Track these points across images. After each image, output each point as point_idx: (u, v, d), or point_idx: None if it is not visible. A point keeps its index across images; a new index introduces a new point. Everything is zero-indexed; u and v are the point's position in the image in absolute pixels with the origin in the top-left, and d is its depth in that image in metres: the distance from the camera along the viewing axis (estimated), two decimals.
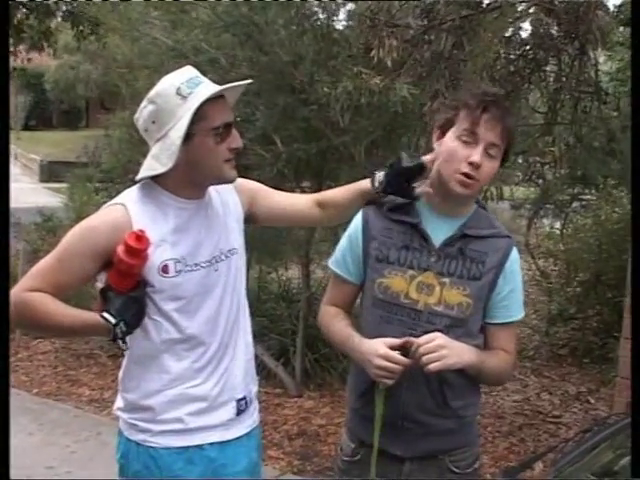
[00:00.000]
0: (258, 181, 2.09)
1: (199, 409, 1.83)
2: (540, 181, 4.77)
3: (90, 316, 1.71)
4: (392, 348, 1.73)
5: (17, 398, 4.66)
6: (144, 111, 1.78)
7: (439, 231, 1.83)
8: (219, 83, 1.80)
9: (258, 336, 2.02)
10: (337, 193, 2.06)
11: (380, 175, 1.90)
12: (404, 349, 1.73)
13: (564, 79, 3.98)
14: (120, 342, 1.70)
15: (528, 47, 3.93)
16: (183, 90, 1.73)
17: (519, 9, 3.71)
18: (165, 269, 1.76)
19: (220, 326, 1.84)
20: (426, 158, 1.84)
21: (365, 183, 1.95)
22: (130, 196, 1.80)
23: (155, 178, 1.78)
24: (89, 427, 4.44)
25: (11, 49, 9.85)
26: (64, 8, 10.61)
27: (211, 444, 1.84)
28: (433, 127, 1.93)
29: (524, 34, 4.00)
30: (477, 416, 2.04)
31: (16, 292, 1.74)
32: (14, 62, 11.18)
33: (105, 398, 4.89)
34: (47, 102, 28.23)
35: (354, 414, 1.97)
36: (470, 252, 1.82)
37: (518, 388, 5.17)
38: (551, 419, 4.65)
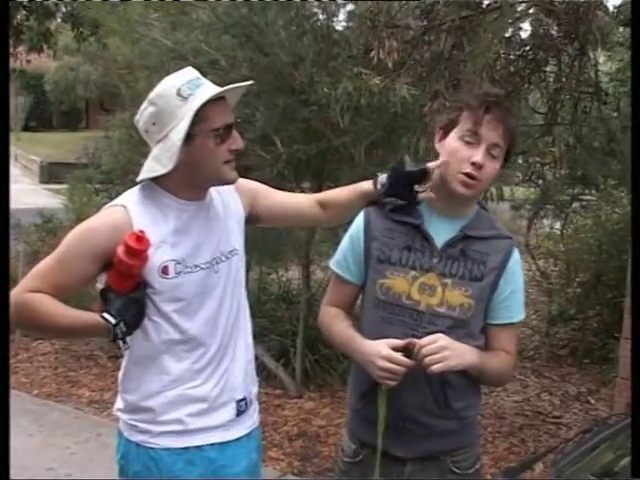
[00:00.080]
0: (259, 182, 2.09)
1: (199, 410, 1.83)
2: (540, 181, 4.77)
3: (90, 317, 1.71)
4: (395, 349, 1.73)
5: (17, 399, 4.66)
6: (145, 112, 1.78)
7: (441, 232, 1.83)
8: (219, 84, 1.80)
9: (258, 337, 2.02)
10: (338, 193, 2.06)
11: (383, 177, 1.90)
12: (407, 350, 1.73)
13: (564, 79, 3.99)
14: (120, 343, 1.70)
15: (528, 47, 3.94)
16: (184, 91, 1.73)
17: (519, 9, 3.71)
18: (165, 270, 1.76)
19: (220, 327, 1.84)
20: (431, 164, 1.83)
21: (367, 184, 1.95)
22: (130, 197, 1.80)
23: (156, 179, 1.78)
24: (89, 428, 4.43)
25: (11, 50, 9.85)
26: (64, 9, 10.61)
27: (211, 445, 1.84)
28: (433, 128, 1.93)
29: (524, 34, 4.01)
30: (477, 417, 2.04)
31: (16, 293, 1.74)
32: (14, 63, 11.18)
33: (105, 399, 4.89)
34: (47, 103, 28.21)
35: (355, 415, 1.97)
36: (472, 253, 1.82)
37: (518, 389, 5.17)
38: (551, 419, 4.65)
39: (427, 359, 1.70)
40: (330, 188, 2.21)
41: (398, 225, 1.85)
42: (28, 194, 15.21)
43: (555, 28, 3.84)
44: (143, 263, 1.71)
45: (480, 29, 3.49)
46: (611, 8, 4.04)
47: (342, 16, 4.28)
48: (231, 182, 1.85)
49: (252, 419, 1.95)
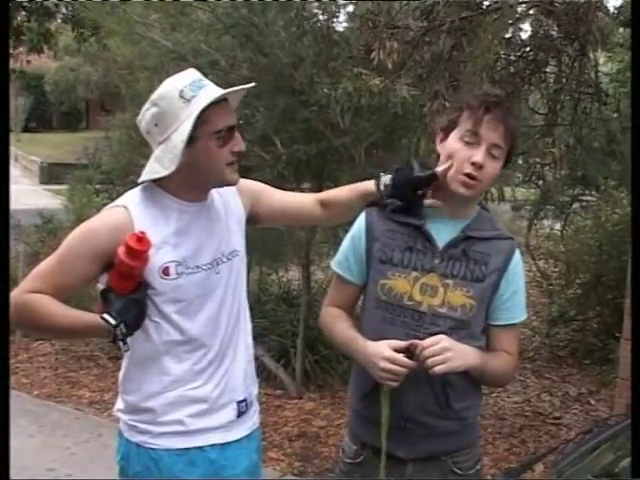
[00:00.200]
0: (259, 182, 2.09)
1: (199, 411, 1.83)
2: (540, 182, 4.77)
3: (91, 317, 1.71)
4: (396, 350, 1.73)
5: (17, 400, 4.66)
6: (147, 113, 1.77)
7: (442, 233, 1.83)
8: (219, 85, 1.80)
9: (258, 337, 2.02)
10: (339, 193, 2.06)
11: (386, 179, 1.89)
12: (408, 351, 1.73)
13: (564, 80, 3.99)
14: (120, 344, 1.70)
15: (528, 48, 3.94)
16: (186, 93, 1.73)
17: (519, 10, 3.71)
18: (166, 271, 1.76)
19: (221, 328, 1.84)
20: (439, 170, 1.82)
21: (369, 184, 1.95)
22: (132, 198, 1.81)
23: (157, 180, 1.78)
24: (89, 429, 4.43)
25: (11, 51, 9.86)
26: (64, 10, 10.62)
27: (212, 446, 1.84)
28: (434, 128, 1.93)
29: (524, 35, 4.01)
30: (478, 417, 2.04)
31: (17, 294, 1.74)
32: (14, 64, 11.19)
33: (105, 400, 4.89)
34: (47, 104, 28.23)
35: (356, 416, 1.96)
36: (473, 254, 1.82)
37: (518, 389, 5.16)
38: (551, 420, 4.65)
39: (429, 360, 1.70)
40: (330, 189, 2.21)
41: (400, 226, 1.85)
42: (28, 195, 15.22)
43: (555, 29, 3.84)
44: (144, 264, 1.71)
45: (480, 30, 3.49)
46: (611, 9, 4.04)
47: (342, 17, 4.29)
48: (232, 184, 1.85)
49: (252, 420, 1.95)
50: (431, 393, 1.81)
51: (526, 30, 4.02)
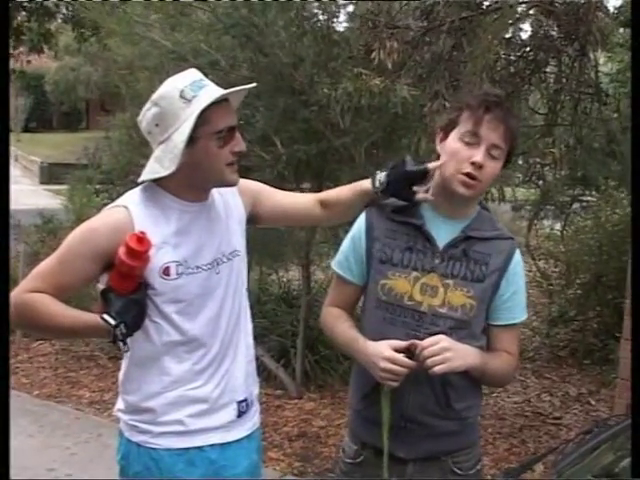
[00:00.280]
0: (259, 182, 2.09)
1: (200, 411, 1.83)
2: (540, 182, 4.77)
3: (91, 317, 1.71)
4: (397, 351, 1.73)
5: (17, 400, 4.66)
6: (147, 113, 1.77)
7: (443, 233, 1.83)
8: (219, 85, 1.80)
9: (258, 337, 2.02)
10: (339, 192, 2.06)
11: (381, 175, 1.90)
12: (409, 351, 1.73)
13: (564, 80, 3.99)
14: (120, 344, 1.70)
15: (528, 48, 3.94)
16: (187, 93, 1.73)
17: (519, 10, 3.71)
18: (166, 271, 1.76)
19: (221, 328, 1.84)
20: (432, 165, 1.84)
21: (366, 183, 1.95)
22: (132, 198, 1.81)
23: (157, 180, 1.78)
24: (89, 429, 4.44)
25: (11, 51, 9.86)
26: (64, 11, 10.62)
27: (212, 446, 1.84)
28: (434, 128, 1.93)
29: (524, 35, 4.02)
30: (478, 417, 2.04)
31: (17, 293, 1.74)
32: (14, 64, 11.19)
33: (105, 400, 4.89)
34: (47, 104, 28.23)
35: (357, 416, 1.96)
36: (474, 254, 1.82)
37: (518, 389, 5.16)
38: (552, 420, 4.65)
39: (429, 360, 1.70)
40: (330, 189, 2.21)
41: (400, 226, 1.85)
42: (28, 195, 15.23)
43: (555, 29, 3.84)
44: (144, 264, 1.70)
45: (480, 30, 3.49)
46: (611, 9, 4.05)
47: (342, 17, 4.29)
48: (232, 185, 1.85)
49: (253, 420, 1.95)
50: (431, 393, 1.81)
51: (526, 30, 4.03)
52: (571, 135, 4.02)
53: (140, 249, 1.68)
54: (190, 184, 1.80)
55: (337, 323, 1.94)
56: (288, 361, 5.07)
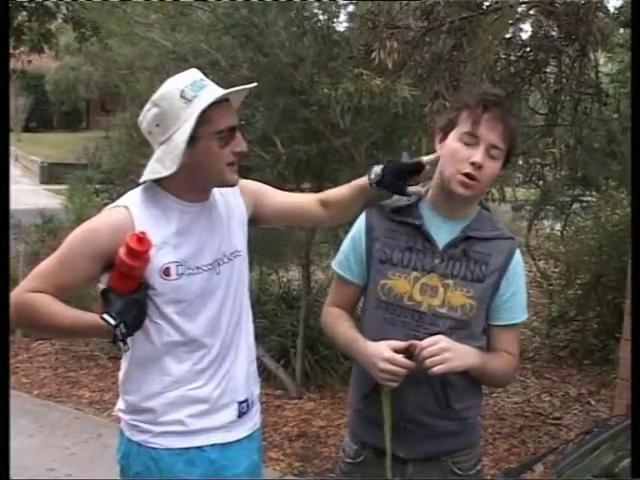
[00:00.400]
0: (259, 182, 2.09)
1: (200, 411, 1.83)
2: (540, 182, 4.77)
3: (91, 317, 1.71)
4: (396, 351, 1.73)
5: (17, 400, 4.66)
6: (148, 114, 1.78)
7: (442, 233, 1.83)
8: (220, 85, 1.80)
9: (259, 337, 2.02)
10: (339, 191, 2.05)
11: (377, 169, 1.91)
12: (408, 352, 1.73)
13: (564, 80, 3.99)
14: (120, 344, 1.70)
15: (528, 49, 3.94)
16: (187, 93, 1.73)
17: (519, 10, 3.71)
18: (167, 272, 1.76)
19: (222, 328, 1.84)
20: (426, 158, 1.85)
21: (364, 179, 1.95)
22: (133, 198, 1.81)
23: (158, 181, 1.78)
24: (89, 429, 4.44)
25: (11, 51, 9.86)
26: (65, 11, 10.62)
27: (212, 446, 1.84)
28: (434, 128, 1.93)
29: (524, 35, 4.02)
30: (478, 417, 2.04)
31: (17, 293, 1.74)
32: (15, 64, 11.19)
33: (105, 400, 4.89)
34: (47, 104, 28.21)
35: (357, 416, 1.97)
36: (473, 254, 1.81)
37: (518, 389, 5.16)
38: (551, 421, 4.65)
39: (428, 361, 1.70)
40: (330, 189, 2.21)
41: (399, 226, 1.85)
42: (28, 195, 15.23)
43: (555, 29, 3.84)
44: (144, 264, 1.70)
45: (480, 30, 3.49)
46: (611, 9, 4.05)
47: (343, 17, 4.29)
48: (232, 185, 1.85)
49: (253, 420, 1.95)
50: (431, 393, 1.81)
51: (526, 30, 4.03)
52: (571, 135, 4.02)
53: (140, 249, 1.68)
54: (191, 184, 1.80)
55: (338, 323, 1.94)
56: (288, 361, 5.07)
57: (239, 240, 1.92)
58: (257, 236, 3.71)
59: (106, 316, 1.67)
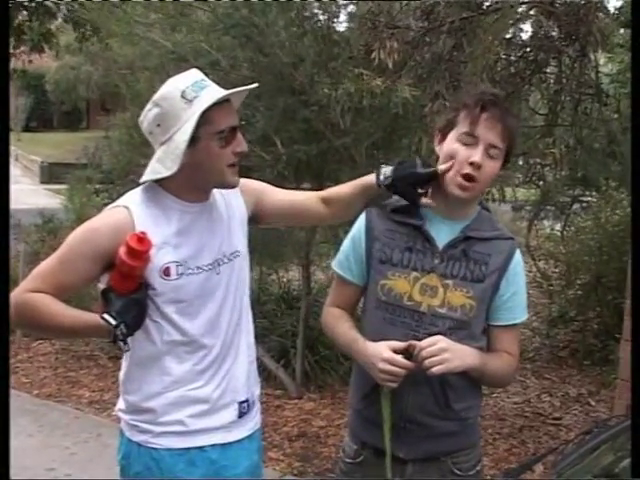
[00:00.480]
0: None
1: (200, 411, 1.83)
2: (540, 183, 4.78)
3: (91, 317, 1.71)
4: (395, 351, 1.73)
5: (17, 399, 4.66)
6: (149, 114, 1.78)
7: (442, 233, 1.83)
8: (220, 85, 1.80)
9: (258, 338, 2.02)
10: (341, 189, 2.05)
11: (387, 170, 1.88)
12: (407, 352, 1.73)
13: (564, 81, 3.99)
14: (121, 344, 1.70)
15: (528, 49, 3.94)
16: (188, 94, 1.73)
17: (519, 11, 3.71)
18: (167, 272, 1.76)
19: (222, 328, 1.84)
20: (441, 168, 1.81)
21: (370, 178, 1.94)
22: (133, 198, 1.81)
23: (158, 181, 1.78)
24: (89, 429, 4.44)
25: (12, 51, 9.86)
26: (65, 11, 10.62)
27: (212, 446, 1.84)
28: (434, 129, 1.93)
29: (524, 36, 4.02)
30: (478, 418, 2.04)
31: (17, 293, 1.74)
32: (15, 64, 11.20)
33: (105, 400, 4.89)
34: (48, 103, 28.22)
35: (357, 416, 1.96)
36: (473, 254, 1.81)
37: (518, 390, 5.16)
38: (551, 421, 4.65)
39: (427, 361, 1.70)
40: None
41: (399, 226, 1.85)
42: (28, 194, 15.24)
43: (556, 29, 3.84)
44: (145, 264, 1.71)
45: (480, 30, 3.49)
46: (612, 10, 4.06)
47: (343, 17, 4.29)
48: (232, 186, 1.85)
49: (254, 421, 1.95)
50: (431, 394, 1.81)
51: (526, 31, 4.03)
52: (571, 135, 4.02)
53: (141, 249, 1.68)
54: (191, 185, 1.80)
55: (338, 324, 1.94)
56: (288, 361, 5.07)
57: (239, 240, 1.92)
58: (257, 236, 3.71)
59: (106, 316, 1.67)
